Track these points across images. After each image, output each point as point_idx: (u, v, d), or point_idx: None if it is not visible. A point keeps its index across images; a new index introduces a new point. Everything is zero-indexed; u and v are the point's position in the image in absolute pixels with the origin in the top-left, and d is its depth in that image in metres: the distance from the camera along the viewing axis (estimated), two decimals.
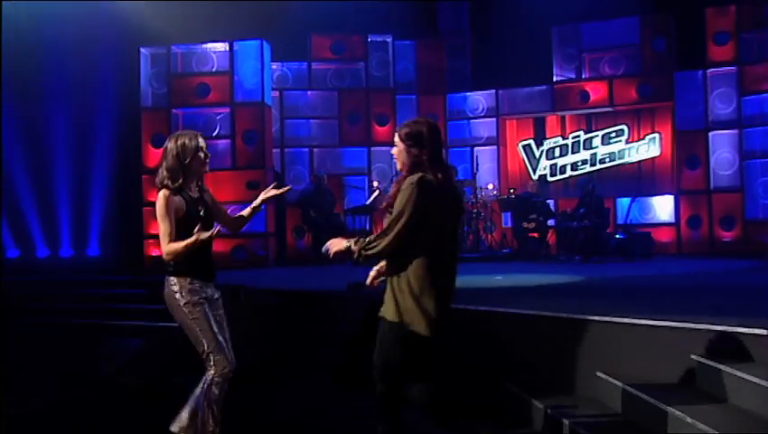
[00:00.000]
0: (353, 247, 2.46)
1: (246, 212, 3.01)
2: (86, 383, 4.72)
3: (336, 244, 2.54)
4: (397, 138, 2.48)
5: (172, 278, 2.82)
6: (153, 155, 9.45)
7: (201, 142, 2.89)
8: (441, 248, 2.43)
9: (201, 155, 2.84)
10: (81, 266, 9.45)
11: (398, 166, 2.51)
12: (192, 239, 2.65)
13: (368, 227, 9.69)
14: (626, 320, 3.60)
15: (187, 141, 2.86)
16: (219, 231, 2.66)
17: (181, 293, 2.79)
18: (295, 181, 9.93)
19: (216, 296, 2.97)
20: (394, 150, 2.49)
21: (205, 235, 2.59)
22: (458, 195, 2.52)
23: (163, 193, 2.75)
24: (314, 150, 10.27)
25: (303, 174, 10.17)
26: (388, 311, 2.49)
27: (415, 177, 2.38)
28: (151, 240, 9.36)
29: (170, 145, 2.88)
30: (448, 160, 10.39)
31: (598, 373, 3.50)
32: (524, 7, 10.35)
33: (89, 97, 9.87)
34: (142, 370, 5.11)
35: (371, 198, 9.44)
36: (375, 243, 2.41)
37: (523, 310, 4.06)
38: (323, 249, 2.56)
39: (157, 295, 7.46)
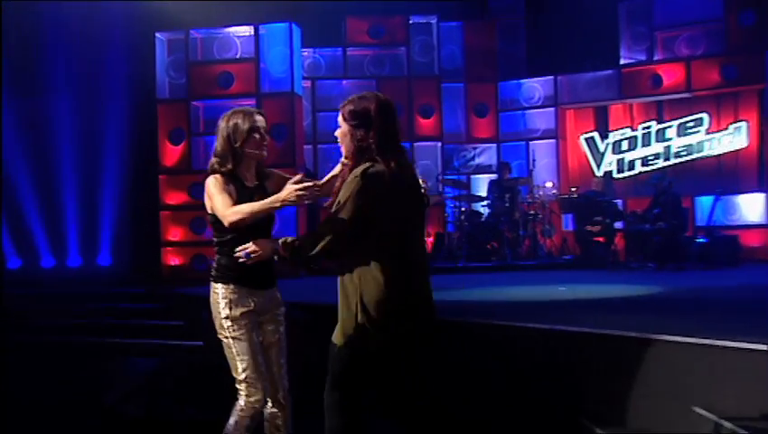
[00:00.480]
0: (280, 250, 2.30)
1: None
2: (86, 414, 4.57)
3: (260, 246, 2.35)
4: (339, 118, 2.35)
5: (214, 284, 2.71)
6: (170, 153, 9.41)
7: (259, 122, 2.73)
8: (399, 255, 2.27)
9: (257, 136, 2.70)
10: (90, 277, 9.43)
11: (343, 152, 2.39)
12: (269, 201, 2.43)
13: None
14: (717, 342, 3.32)
15: (240, 121, 2.72)
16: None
17: (222, 303, 2.67)
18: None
19: (277, 310, 2.85)
20: (337, 132, 2.37)
21: (289, 195, 2.32)
22: (418, 187, 2.35)
23: (213, 177, 2.64)
24: None
25: None
26: (336, 333, 2.37)
27: (359, 169, 2.24)
28: (169, 248, 9.33)
29: (221, 124, 2.76)
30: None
31: (690, 406, 3.26)
32: None
33: (98, 88, 9.83)
34: (149, 398, 4.97)
35: None
36: (307, 244, 2.26)
37: (593, 329, 3.83)
38: (243, 252, 2.39)
39: (175, 308, 7.45)
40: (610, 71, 10.14)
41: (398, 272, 2.24)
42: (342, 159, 2.40)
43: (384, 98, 2.39)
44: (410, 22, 10.27)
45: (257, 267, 2.56)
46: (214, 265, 2.74)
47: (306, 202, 2.40)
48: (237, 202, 2.62)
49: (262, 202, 2.49)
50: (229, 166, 2.71)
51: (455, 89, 10.64)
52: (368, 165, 2.24)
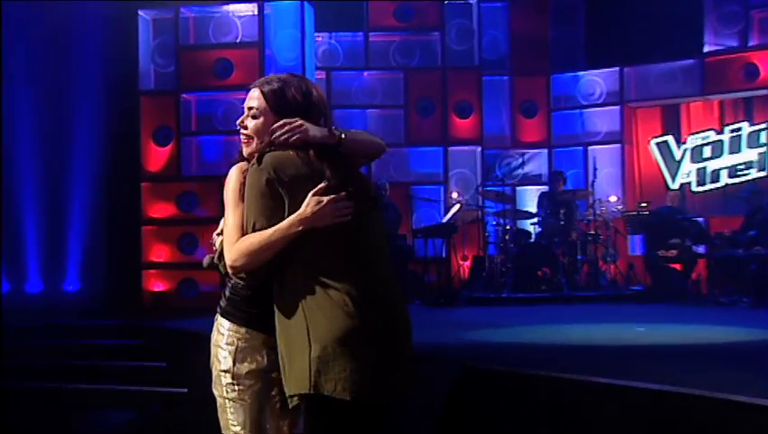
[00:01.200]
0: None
1: None
2: None
3: (315, 208, 2.23)
4: (256, 98, 2.29)
5: (220, 319, 2.45)
6: (155, 156, 9.22)
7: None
8: (352, 268, 2.19)
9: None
10: (54, 306, 9.20)
11: (246, 150, 2.32)
12: (285, 224, 2.20)
13: (444, 254, 9.55)
14: None
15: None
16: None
17: (226, 350, 2.41)
18: None
19: None
20: (247, 120, 2.30)
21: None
22: (366, 185, 2.30)
23: (238, 168, 2.38)
24: None
25: None
26: (286, 382, 2.25)
27: (262, 156, 2.22)
28: (152, 271, 9.15)
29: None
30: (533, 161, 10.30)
31: None
32: None
33: (67, 78, 9.60)
34: None
35: (450, 215, 9.46)
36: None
37: (684, 388, 3.54)
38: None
39: (156, 346, 7.14)
40: (690, 61, 9.86)
41: (362, 291, 2.19)
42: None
43: (308, 81, 2.36)
44: (445, 1, 10.24)
45: None
46: (226, 292, 2.45)
47: (344, 219, 2.19)
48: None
49: (275, 227, 2.20)
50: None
51: (499, 82, 10.55)
52: (270, 152, 2.24)
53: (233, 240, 2.23)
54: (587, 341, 5.75)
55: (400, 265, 8.75)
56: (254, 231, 2.18)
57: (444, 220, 9.44)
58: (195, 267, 8.66)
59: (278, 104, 2.31)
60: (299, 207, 2.19)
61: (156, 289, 9.06)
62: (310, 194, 2.16)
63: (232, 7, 9.24)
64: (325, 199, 2.16)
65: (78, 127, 9.60)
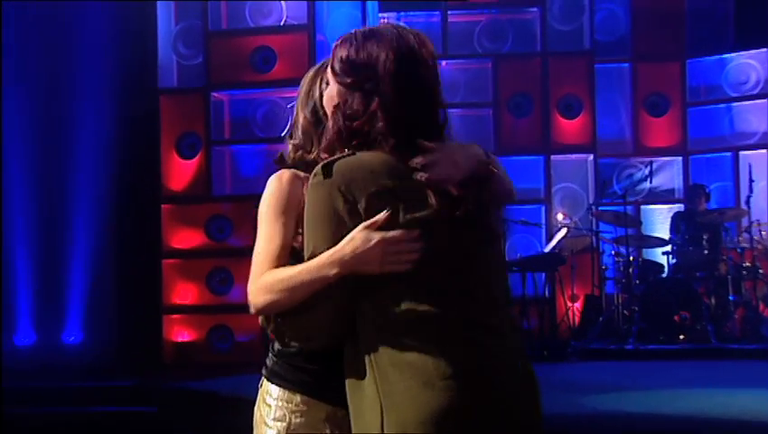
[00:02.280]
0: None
1: None
2: None
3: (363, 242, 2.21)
4: (329, 74, 2.25)
5: (266, 385, 2.48)
6: (179, 171, 9.26)
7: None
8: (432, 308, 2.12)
9: None
10: (50, 363, 9.24)
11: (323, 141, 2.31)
12: (317, 262, 2.20)
13: (547, 292, 9.52)
14: None
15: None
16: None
17: (276, 427, 2.44)
18: None
19: None
20: (324, 97, 2.32)
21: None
22: (486, 206, 2.25)
23: (272, 178, 2.46)
24: None
25: None
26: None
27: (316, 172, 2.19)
28: (175, 316, 9.18)
29: (305, 85, 2.59)
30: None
31: None
32: None
33: (67, 74, 9.66)
34: None
35: (554, 242, 9.43)
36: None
37: None
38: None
39: (179, 413, 7.00)
40: None
41: (438, 332, 2.12)
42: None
43: (411, 41, 2.19)
44: None
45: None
46: (275, 346, 2.48)
47: (401, 267, 2.13)
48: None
49: (304, 265, 2.22)
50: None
51: (617, 71, 10.55)
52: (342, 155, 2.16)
53: (259, 272, 2.26)
54: (745, 412, 5.60)
55: None
56: None
57: (547, 249, 9.41)
58: (229, 310, 8.84)
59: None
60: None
61: (180, 340, 9.10)
62: (360, 226, 2.08)
63: None
64: (376, 237, 2.07)
65: (80, 136, 9.65)
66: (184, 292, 9.10)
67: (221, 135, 9.23)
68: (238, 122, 9.19)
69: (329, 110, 2.26)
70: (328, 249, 2.10)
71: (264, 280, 2.26)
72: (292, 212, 2.39)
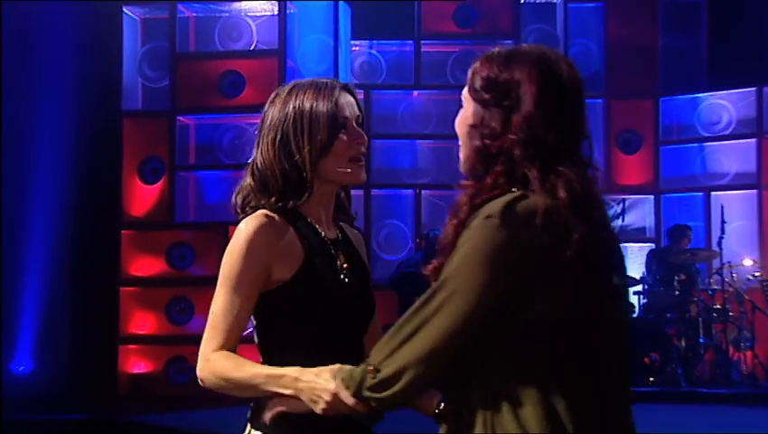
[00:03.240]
0: (342, 391, 2.06)
1: None
2: None
3: (314, 392, 2.14)
4: (464, 91, 2.10)
5: (252, 432, 2.38)
6: (141, 196, 9.18)
7: (348, 105, 2.40)
8: (577, 375, 1.99)
9: (344, 137, 2.38)
10: None
11: (462, 166, 2.15)
12: (271, 374, 2.22)
13: None
14: None
15: (313, 103, 2.38)
16: None
17: None
18: (389, 246, 9.95)
19: None
20: (458, 119, 2.11)
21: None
22: (615, 241, 2.12)
23: (243, 223, 2.33)
24: (423, 193, 10.15)
25: (402, 235, 10.10)
26: None
27: (498, 204, 1.95)
28: (132, 347, 9.01)
29: (273, 110, 2.41)
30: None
31: None
32: None
33: (28, 92, 9.56)
34: None
35: None
36: (383, 373, 1.98)
37: None
38: (267, 416, 2.23)
39: None
40: None
41: (578, 407, 1.97)
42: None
43: (551, 57, 2.06)
44: (522, 1, 10.22)
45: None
46: None
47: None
48: (303, 263, 2.33)
49: (262, 371, 2.22)
50: (283, 195, 2.36)
51: (590, 107, 10.14)
52: (514, 194, 1.96)
53: (214, 342, 2.24)
54: None
55: None
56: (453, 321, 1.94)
57: None
58: (189, 341, 8.63)
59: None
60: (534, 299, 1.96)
61: (136, 371, 8.95)
62: (334, 370, 2.09)
63: (245, 5, 9.25)
64: (331, 391, 2.06)
65: (39, 156, 9.53)
66: (142, 321, 8.97)
67: (186, 160, 9.14)
68: (203, 147, 9.11)
69: (461, 132, 2.10)
70: (480, 295, 1.91)
71: (219, 366, 2.22)
72: (260, 276, 2.27)
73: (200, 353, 2.27)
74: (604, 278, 2.05)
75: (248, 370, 2.20)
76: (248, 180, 2.36)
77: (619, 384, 2.08)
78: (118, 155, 9.06)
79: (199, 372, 2.28)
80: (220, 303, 2.26)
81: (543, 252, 1.93)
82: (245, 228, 2.26)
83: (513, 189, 1.96)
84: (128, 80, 9.18)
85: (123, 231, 8.99)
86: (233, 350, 2.25)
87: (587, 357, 2.02)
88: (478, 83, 2.03)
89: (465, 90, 2.08)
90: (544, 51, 2.08)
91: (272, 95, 2.44)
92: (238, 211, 2.36)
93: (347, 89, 2.42)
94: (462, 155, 2.09)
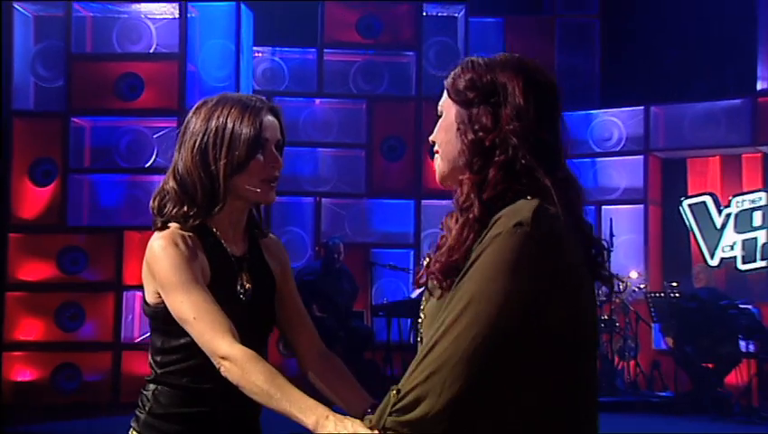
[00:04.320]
0: (361, 428, 1.95)
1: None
2: None
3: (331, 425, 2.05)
4: (444, 96, 2.08)
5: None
6: (31, 199, 8.95)
7: (269, 126, 2.45)
8: (583, 381, 2.02)
9: (261, 158, 2.43)
10: None
11: (438, 172, 2.11)
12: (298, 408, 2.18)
13: (413, 339, 9.42)
14: None
15: (237, 120, 2.42)
16: None
17: None
18: (289, 254, 9.77)
19: None
20: (437, 128, 2.09)
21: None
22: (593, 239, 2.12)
23: (160, 239, 2.36)
24: (323, 201, 10.17)
25: (301, 243, 10.05)
26: None
27: (526, 211, 1.87)
28: (17, 353, 8.74)
29: (196, 119, 2.44)
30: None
31: None
32: None
33: None
34: None
35: (421, 288, 9.08)
36: (412, 396, 1.83)
37: None
38: None
39: None
40: (737, 101, 9.89)
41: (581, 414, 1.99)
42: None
43: (532, 64, 2.08)
44: (424, 13, 10.15)
45: (229, 414, 2.39)
46: (143, 397, 2.42)
47: None
48: (210, 279, 2.38)
49: (299, 399, 2.15)
50: (197, 211, 2.39)
51: None
52: (536, 202, 1.90)
53: (217, 331, 2.20)
54: None
55: (355, 352, 8.65)
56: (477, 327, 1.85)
57: (415, 294, 9.09)
58: (78, 348, 8.54)
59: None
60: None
61: (22, 379, 8.71)
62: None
63: (145, 7, 9.12)
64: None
65: None
66: (29, 327, 8.72)
67: (81, 162, 8.95)
68: (99, 150, 8.93)
69: (445, 138, 2.04)
70: (503, 303, 1.84)
71: (255, 370, 2.15)
72: (192, 275, 2.31)
73: (213, 354, 2.21)
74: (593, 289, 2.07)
75: (282, 389, 2.15)
76: (169, 183, 2.38)
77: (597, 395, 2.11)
78: (7, 155, 8.85)
79: (228, 374, 2.20)
80: (193, 302, 2.24)
81: (566, 265, 1.90)
82: (164, 241, 2.30)
83: (517, 186, 1.91)
84: (20, 79, 8.99)
85: (11, 234, 8.77)
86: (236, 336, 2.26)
87: (588, 369, 2.00)
88: (461, 85, 1.99)
89: (444, 99, 2.04)
90: (522, 58, 2.07)
91: (198, 103, 2.45)
92: (155, 213, 2.38)
93: (273, 111, 2.44)
94: (447, 159, 2.02)
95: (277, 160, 2.42)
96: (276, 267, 2.55)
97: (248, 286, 2.45)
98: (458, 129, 1.97)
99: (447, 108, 2.03)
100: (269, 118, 2.42)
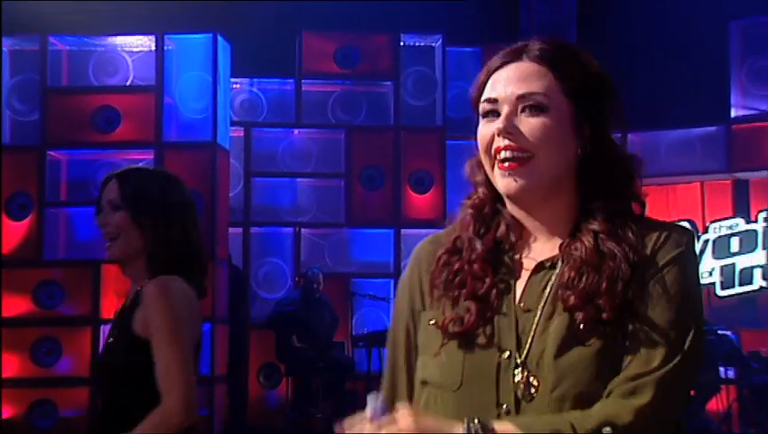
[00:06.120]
0: None
1: None
2: None
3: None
4: (541, 83, 1.68)
5: None
6: (7, 233, 8.74)
7: (104, 189, 2.86)
8: None
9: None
10: None
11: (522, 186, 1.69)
12: None
13: None
14: None
15: None
16: None
17: None
18: (269, 284, 9.86)
19: None
20: (532, 133, 1.68)
21: None
22: None
23: (168, 281, 2.69)
24: (302, 232, 10.08)
25: (281, 273, 10.03)
26: None
27: (682, 236, 1.74)
28: None
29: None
30: None
31: None
32: None
33: None
34: None
35: None
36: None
37: None
38: None
39: None
40: (711, 129, 9.94)
41: None
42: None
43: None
44: (402, 43, 10.15)
45: None
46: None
47: None
48: None
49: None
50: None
51: (467, 147, 10.17)
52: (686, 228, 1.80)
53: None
54: None
55: (335, 383, 8.68)
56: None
57: None
58: (55, 383, 8.49)
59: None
60: None
61: None
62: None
63: (121, 40, 9.11)
64: None
65: None
66: (4, 363, 8.44)
67: (57, 196, 8.88)
68: (76, 183, 8.88)
69: (538, 144, 1.67)
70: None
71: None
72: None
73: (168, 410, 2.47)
74: None
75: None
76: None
77: None
78: None
79: (173, 418, 2.46)
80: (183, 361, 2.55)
81: None
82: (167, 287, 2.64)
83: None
84: None
85: None
86: None
87: None
88: (579, 74, 1.70)
89: (530, 88, 1.67)
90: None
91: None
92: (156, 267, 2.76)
93: (116, 176, 2.75)
94: (549, 170, 1.66)
95: (102, 221, 2.70)
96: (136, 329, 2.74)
97: (110, 341, 2.85)
98: (575, 132, 1.65)
99: (552, 100, 1.64)
100: (109, 184, 2.71)
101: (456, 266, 1.71)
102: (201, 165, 8.82)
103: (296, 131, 10.11)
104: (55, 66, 8.98)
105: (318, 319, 9.07)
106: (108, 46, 9.05)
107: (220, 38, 8.99)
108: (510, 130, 1.62)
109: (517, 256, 1.69)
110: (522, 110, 1.63)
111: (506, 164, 1.63)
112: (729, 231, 9.90)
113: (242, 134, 9.89)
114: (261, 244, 9.89)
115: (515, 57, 1.69)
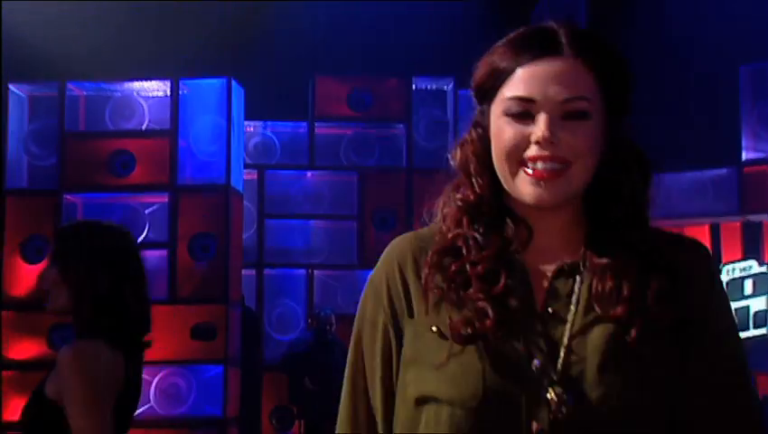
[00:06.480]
0: None
1: None
2: None
3: None
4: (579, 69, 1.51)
5: None
6: (23, 276, 8.79)
7: None
8: None
9: None
10: None
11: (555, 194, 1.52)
12: None
13: None
14: None
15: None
16: None
17: None
18: (282, 326, 9.87)
19: None
20: (578, 139, 1.51)
21: None
22: None
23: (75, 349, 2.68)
24: (315, 273, 10.10)
25: (294, 315, 10.02)
26: None
27: (706, 254, 1.63)
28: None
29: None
30: None
31: None
32: (678, 30, 10.10)
33: None
34: None
35: None
36: None
37: None
38: None
39: None
40: (722, 171, 9.85)
41: None
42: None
43: None
44: (414, 87, 10.22)
45: None
46: None
47: None
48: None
49: None
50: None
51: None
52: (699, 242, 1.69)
53: None
54: None
55: None
56: None
57: None
58: None
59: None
60: None
61: None
62: None
63: (137, 85, 9.11)
64: None
65: None
66: (16, 406, 8.14)
67: None
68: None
69: (582, 151, 1.52)
70: None
71: None
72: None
73: None
74: None
75: None
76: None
77: None
78: (0, 233, 8.89)
79: None
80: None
81: None
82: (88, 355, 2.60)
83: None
84: (13, 157, 9.01)
85: (2, 312, 8.68)
86: None
87: None
88: (621, 83, 1.57)
89: (575, 93, 1.49)
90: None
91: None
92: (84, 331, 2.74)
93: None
94: (583, 177, 1.51)
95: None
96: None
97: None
98: (605, 135, 1.51)
99: (593, 104, 1.49)
100: None
101: (454, 267, 1.52)
102: (215, 208, 8.89)
103: (309, 173, 10.16)
104: (73, 111, 9.06)
105: (331, 361, 8.94)
106: (125, 91, 9.13)
107: (233, 82, 9.08)
108: (552, 141, 1.44)
109: (528, 258, 1.53)
110: (562, 115, 1.46)
111: (540, 173, 1.46)
112: (743, 274, 9.83)
113: (255, 176, 9.96)
114: (274, 286, 9.93)
115: (550, 49, 1.48)
